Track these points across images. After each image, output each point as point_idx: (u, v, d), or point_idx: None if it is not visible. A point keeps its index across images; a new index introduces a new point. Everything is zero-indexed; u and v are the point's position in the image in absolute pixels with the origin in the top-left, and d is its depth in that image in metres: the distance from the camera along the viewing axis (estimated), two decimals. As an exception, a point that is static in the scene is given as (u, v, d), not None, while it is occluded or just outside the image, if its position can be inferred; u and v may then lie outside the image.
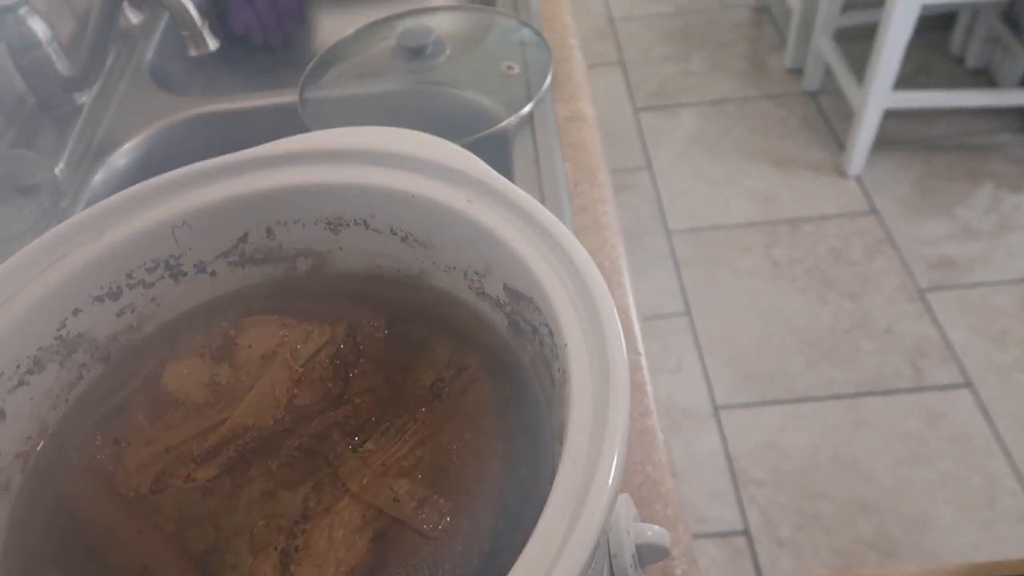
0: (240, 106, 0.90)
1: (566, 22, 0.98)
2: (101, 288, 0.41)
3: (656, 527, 0.40)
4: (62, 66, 0.86)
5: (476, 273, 0.42)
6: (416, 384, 0.40)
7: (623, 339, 0.32)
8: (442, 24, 0.93)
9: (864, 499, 1.43)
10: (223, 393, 0.40)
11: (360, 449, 0.37)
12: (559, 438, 0.34)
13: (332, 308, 0.43)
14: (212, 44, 0.73)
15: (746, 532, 1.40)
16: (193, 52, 0.74)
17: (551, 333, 0.36)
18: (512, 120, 0.81)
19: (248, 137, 0.92)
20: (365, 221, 0.44)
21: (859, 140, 1.95)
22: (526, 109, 0.82)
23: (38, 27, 0.83)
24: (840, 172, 2.02)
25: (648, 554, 0.40)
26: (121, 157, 0.85)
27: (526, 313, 0.39)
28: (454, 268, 0.43)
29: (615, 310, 0.33)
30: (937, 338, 1.65)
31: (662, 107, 2.29)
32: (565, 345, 0.33)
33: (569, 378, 0.32)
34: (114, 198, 0.42)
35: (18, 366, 0.38)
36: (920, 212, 1.90)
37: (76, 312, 0.40)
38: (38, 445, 0.39)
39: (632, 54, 2.47)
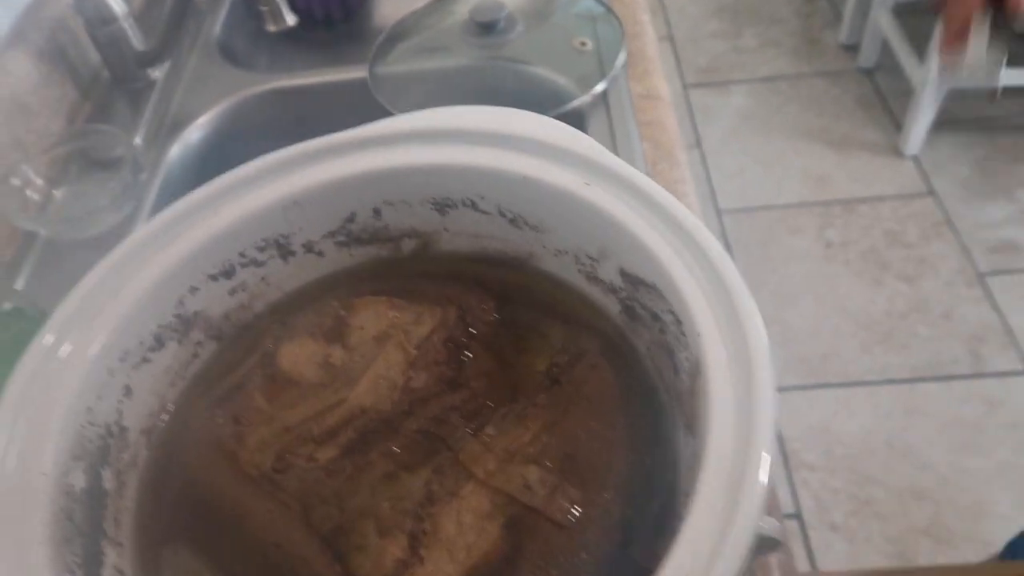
0: (310, 81, 0.90)
1: (637, -2, 0.96)
2: (215, 267, 0.41)
3: (770, 519, 0.40)
4: (137, 41, 0.86)
5: (589, 257, 0.41)
6: (529, 368, 0.40)
7: (764, 330, 0.32)
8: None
9: (919, 486, 1.41)
10: (338, 373, 0.40)
11: (480, 433, 0.37)
12: (690, 429, 0.33)
13: (439, 290, 0.43)
14: (290, 20, 0.73)
15: (798, 516, 1.39)
16: (271, 28, 0.74)
17: (678, 321, 0.35)
18: (586, 98, 0.80)
19: (318, 112, 0.92)
20: (473, 202, 0.43)
21: (918, 120, 1.90)
22: (600, 87, 0.80)
23: (114, 1, 0.83)
24: (896, 152, 1.97)
25: (761, 545, 0.39)
26: (195, 131, 0.86)
27: (645, 300, 0.38)
28: (565, 252, 0.42)
29: (752, 300, 0.33)
30: (997, 323, 1.61)
31: (712, 84, 2.24)
32: (699, 335, 0.33)
33: (703, 370, 0.32)
34: (227, 176, 0.42)
35: (141, 343, 0.39)
36: (980, 194, 1.85)
37: (193, 290, 0.41)
38: (161, 422, 0.40)
39: (681, 29, 2.42)
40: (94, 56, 0.90)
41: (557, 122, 0.42)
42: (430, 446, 0.37)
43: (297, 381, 0.40)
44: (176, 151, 0.84)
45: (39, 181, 0.77)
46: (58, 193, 0.78)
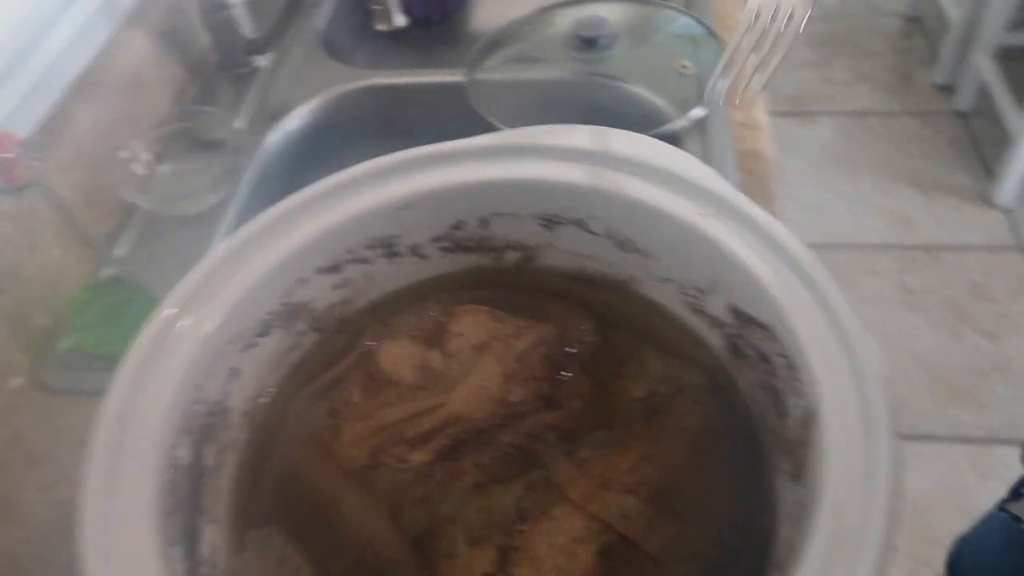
0: (407, 81, 0.91)
1: (741, 21, 0.94)
2: (325, 260, 0.42)
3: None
4: (246, 28, 0.89)
5: (697, 289, 0.41)
6: (625, 394, 0.40)
7: (889, 388, 0.31)
8: (615, 15, 0.91)
9: (981, 550, 1.35)
10: (435, 378, 0.41)
11: (574, 455, 0.37)
12: (796, 477, 0.32)
13: (538, 305, 0.43)
14: (400, 20, 0.74)
15: (849, 565, 1.35)
16: (381, 26, 0.75)
17: (791, 367, 0.34)
18: (683, 121, 0.79)
19: (411, 112, 0.93)
20: (582, 222, 0.43)
21: (1013, 169, 1.82)
22: (699, 111, 0.80)
23: (231, -12, 0.86)
24: (987, 201, 1.90)
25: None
26: (294, 120, 0.88)
27: (755, 340, 0.37)
28: (670, 280, 0.42)
29: (879, 355, 0.32)
30: (1080, 391, 1.54)
31: (798, 114, 2.20)
32: (817, 384, 0.32)
33: (819, 420, 0.31)
34: (343, 174, 0.43)
35: (249, 328, 0.40)
36: (1075, 254, 1.77)
37: (301, 281, 0.42)
38: (260, 406, 0.41)
39: (771, 55, 2.38)
40: (204, 40, 0.93)
41: (677, 149, 0.42)
42: (523, 462, 0.37)
43: (395, 381, 0.41)
44: (274, 138, 0.86)
45: (145, 156, 0.80)
46: (161, 169, 0.81)
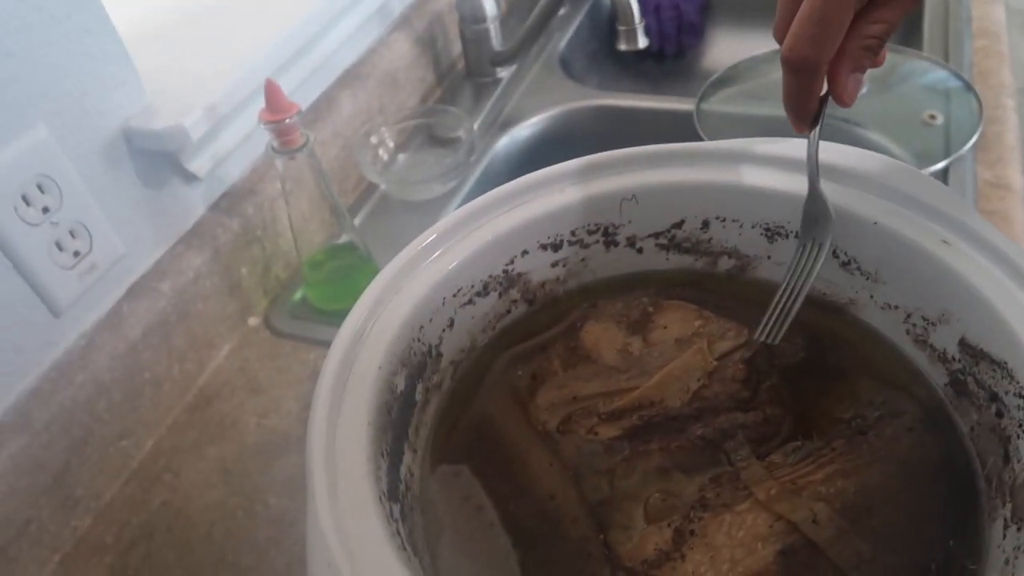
0: (636, 104, 0.94)
1: (1004, 80, 0.88)
2: (548, 237, 0.45)
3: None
4: (496, 42, 0.96)
5: (924, 319, 0.39)
6: (829, 414, 0.39)
7: None
8: (860, 60, 0.88)
9: None
10: (633, 363, 0.42)
11: (765, 459, 0.36)
12: (1018, 524, 0.30)
13: (748, 313, 0.43)
14: (643, 42, 0.77)
15: None
16: (623, 47, 0.78)
17: (1027, 407, 0.32)
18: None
19: (636, 135, 0.96)
20: (807, 237, 0.42)
21: None
22: (941, 164, 0.75)
23: (488, 4, 0.93)
24: None
25: None
26: (524, 129, 0.93)
27: (986, 377, 0.35)
28: (895, 307, 0.40)
29: None
30: None
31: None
32: (1059, 426, 0.29)
33: (1056, 463, 0.28)
34: (577, 161, 0.45)
35: (472, 286, 0.43)
36: None
37: (524, 253, 0.44)
38: (467, 359, 0.44)
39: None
40: (457, 48, 1.01)
41: (917, 170, 0.40)
42: (711, 455, 0.37)
43: (594, 359, 0.42)
44: (503, 143, 0.92)
45: (390, 143, 0.88)
46: (401, 157, 0.89)
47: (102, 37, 0.57)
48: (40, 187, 0.53)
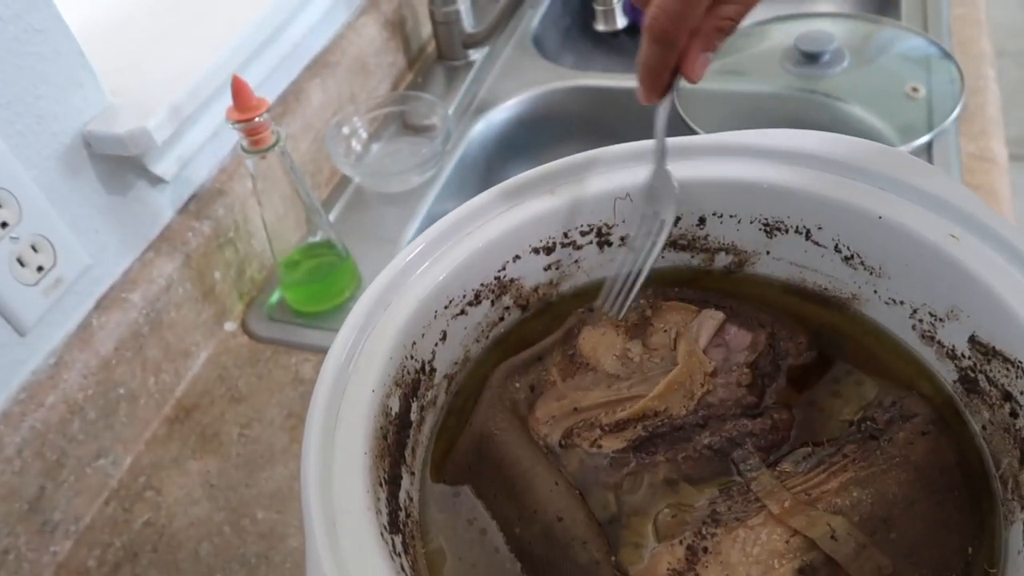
0: (614, 84, 0.92)
1: (984, 48, 0.87)
2: (540, 240, 0.43)
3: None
4: (468, 23, 0.93)
5: (932, 315, 0.38)
6: (836, 415, 0.38)
7: None
8: (840, 32, 0.87)
9: None
10: (634, 369, 0.40)
11: (775, 467, 0.35)
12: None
13: (748, 312, 0.42)
14: (621, 22, 0.75)
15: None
16: (601, 27, 0.76)
17: (1046, 409, 0.31)
18: (905, 148, 0.74)
19: (614, 116, 0.93)
20: (808, 231, 0.41)
21: None
22: (925, 138, 0.74)
23: (459, -16, 0.90)
24: None
25: None
26: (500, 113, 0.91)
27: (998, 375, 0.34)
28: (900, 303, 0.39)
29: None
30: None
31: None
32: (1082, 430, 0.28)
33: (1080, 470, 0.28)
34: (565, 161, 0.43)
35: (464, 296, 0.41)
36: None
37: (516, 258, 0.43)
38: (462, 372, 0.42)
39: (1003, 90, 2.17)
40: (427, 31, 0.98)
41: (925, 163, 0.39)
42: (720, 465, 0.36)
43: (593, 367, 0.41)
44: (479, 129, 0.90)
45: (363, 134, 0.85)
46: (375, 148, 0.86)
47: (55, 36, 0.53)
48: (-4, 201, 0.50)
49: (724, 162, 0.42)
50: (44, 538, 0.55)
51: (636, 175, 0.42)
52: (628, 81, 0.92)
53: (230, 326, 0.71)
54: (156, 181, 0.64)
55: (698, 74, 0.38)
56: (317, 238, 0.70)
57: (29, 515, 0.53)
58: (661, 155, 0.41)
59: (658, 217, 0.40)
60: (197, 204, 0.68)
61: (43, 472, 0.54)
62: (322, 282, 0.71)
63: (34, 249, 0.53)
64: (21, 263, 0.52)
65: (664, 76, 0.38)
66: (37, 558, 0.54)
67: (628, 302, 0.40)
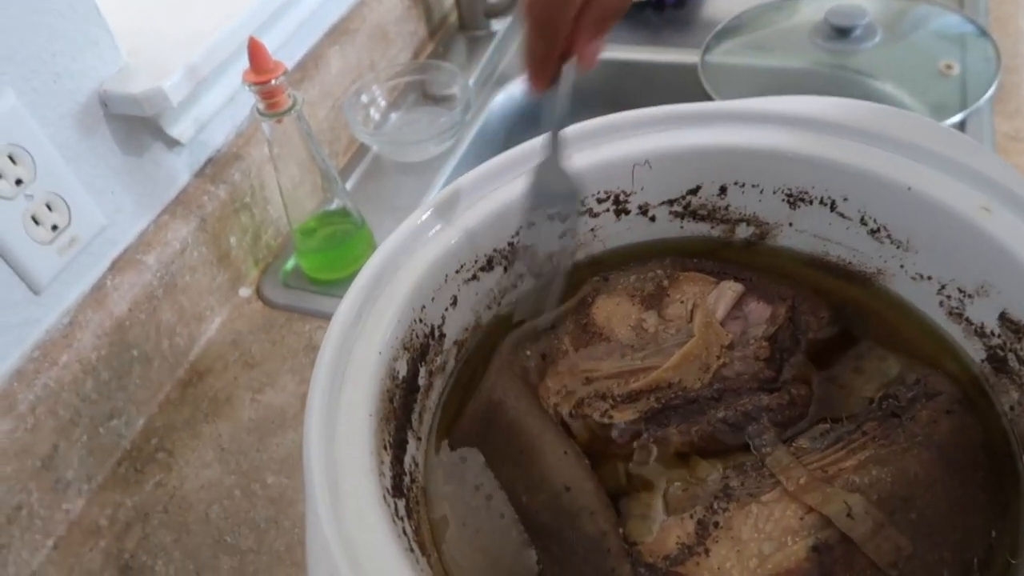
0: (639, 58, 0.90)
1: (1022, 26, 0.84)
2: (555, 207, 0.42)
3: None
4: (491, -8, 0.91)
5: (960, 291, 0.36)
6: (857, 392, 0.36)
7: None
8: (873, 6, 0.84)
9: None
10: (648, 340, 0.39)
11: (791, 443, 0.34)
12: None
13: (769, 285, 0.41)
14: (646, -9, 0.73)
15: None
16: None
17: (1077, 388, 0.29)
18: (938, 126, 0.71)
19: (638, 90, 0.92)
20: (833, 202, 0.40)
21: None
22: (958, 117, 0.72)
23: (485, -48, 0.88)
24: None
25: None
26: (520, 85, 0.89)
27: (1029, 354, 0.33)
28: (928, 278, 0.38)
29: None
30: None
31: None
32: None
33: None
34: (585, 124, 0.42)
35: (476, 261, 0.40)
36: None
37: (530, 224, 0.42)
38: (472, 338, 0.41)
39: None
40: (449, 1, 0.97)
41: (958, 133, 0.37)
42: (734, 439, 0.35)
43: (607, 336, 0.40)
44: (499, 100, 0.88)
45: (382, 102, 0.84)
46: (394, 117, 0.85)
47: (71, -7, 0.53)
48: (11, 158, 0.50)
49: (747, 129, 0.41)
50: (57, 496, 0.55)
51: (655, 141, 0.41)
52: (650, 54, 0.90)
53: (245, 292, 0.71)
54: (172, 144, 0.63)
55: (590, 61, 0.37)
56: (333, 206, 0.69)
57: (42, 472, 0.54)
58: (555, 148, 0.38)
59: (560, 216, 0.38)
60: (213, 168, 0.67)
61: (56, 430, 0.54)
62: (337, 250, 0.70)
63: (49, 208, 0.53)
64: (36, 221, 0.52)
65: (549, 63, 0.36)
66: (50, 515, 0.55)
67: (544, 305, 0.39)
